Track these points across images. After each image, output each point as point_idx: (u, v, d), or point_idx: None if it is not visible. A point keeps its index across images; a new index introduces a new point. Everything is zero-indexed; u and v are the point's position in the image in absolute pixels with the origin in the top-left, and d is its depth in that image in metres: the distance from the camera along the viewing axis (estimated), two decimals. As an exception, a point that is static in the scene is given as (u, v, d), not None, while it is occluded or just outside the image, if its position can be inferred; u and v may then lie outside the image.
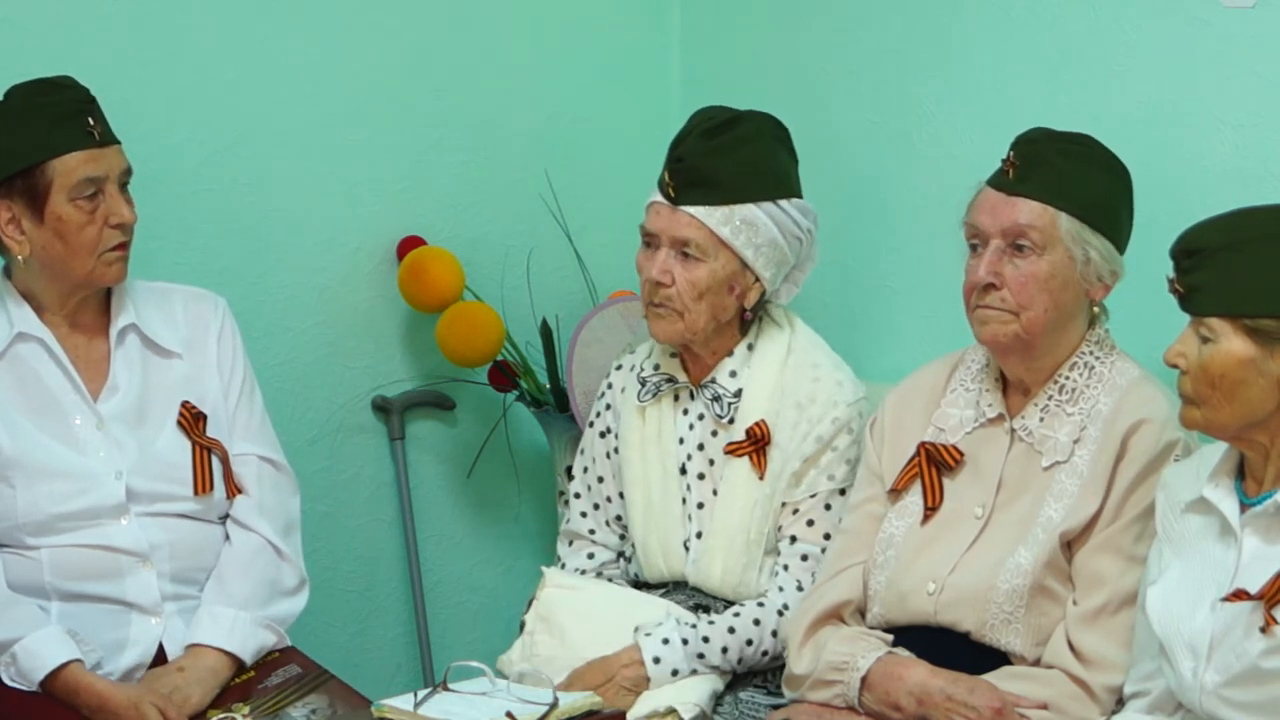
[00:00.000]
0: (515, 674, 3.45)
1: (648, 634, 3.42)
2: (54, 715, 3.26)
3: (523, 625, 3.68)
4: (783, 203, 3.48)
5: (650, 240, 3.50)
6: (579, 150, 4.34)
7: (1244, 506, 2.86)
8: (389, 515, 4.27)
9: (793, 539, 3.47)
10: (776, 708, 3.35)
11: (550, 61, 4.31)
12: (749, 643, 3.42)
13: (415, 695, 3.03)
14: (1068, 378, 3.23)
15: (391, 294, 4.16)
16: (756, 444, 3.48)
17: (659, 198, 3.49)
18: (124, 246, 3.39)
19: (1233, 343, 2.80)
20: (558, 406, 4.14)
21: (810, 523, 3.46)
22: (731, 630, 3.42)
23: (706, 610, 3.49)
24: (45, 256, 3.37)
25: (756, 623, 3.43)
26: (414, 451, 4.27)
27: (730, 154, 3.44)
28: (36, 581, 3.34)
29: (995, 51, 3.76)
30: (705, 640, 3.41)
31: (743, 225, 3.45)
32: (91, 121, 3.35)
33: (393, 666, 4.28)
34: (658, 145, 3.62)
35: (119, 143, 3.41)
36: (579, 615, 3.52)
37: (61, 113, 3.34)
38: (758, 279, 3.49)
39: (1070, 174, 3.18)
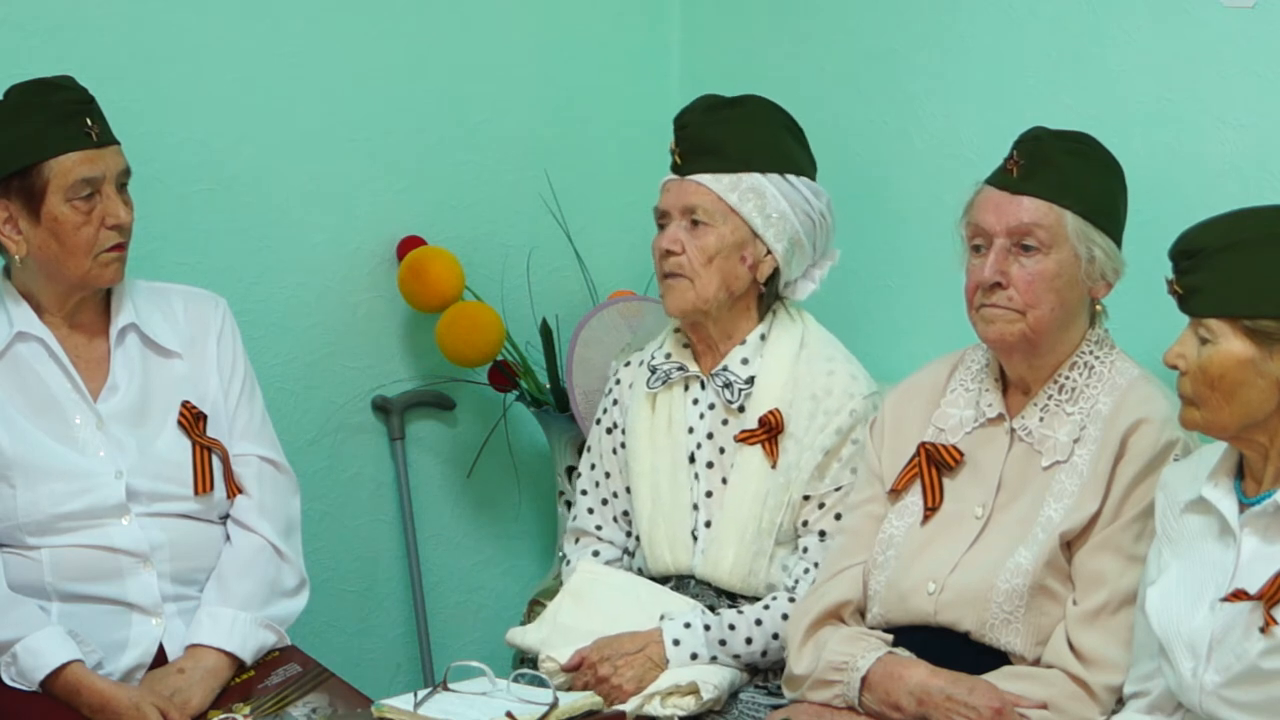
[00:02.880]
0: (526, 645, 3.48)
1: (671, 619, 3.42)
2: (55, 715, 3.25)
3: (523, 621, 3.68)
4: (791, 177, 3.50)
5: (662, 220, 3.53)
6: (579, 150, 4.34)
7: (1243, 506, 2.86)
8: (389, 515, 4.26)
9: (821, 534, 3.46)
10: (776, 708, 3.35)
11: (550, 61, 4.31)
12: (774, 636, 3.42)
13: (415, 695, 3.03)
14: (1067, 377, 3.22)
15: (391, 294, 4.16)
16: (770, 432, 3.47)
17: (669, 176, 3.51)
18: (121, 247, 3.39)
19: (1232, 344, 2.80)
20: (558, 406, 4.14)
21: (838, 516, 3.45)
22: (759, 622, 3.42)
23: (713, 610, 3.48)
24: (41, 256, 3.36)
25: (785, 618, 3.42)
26: (414, 451, 4.27)
27: (734, 124, 3.47)
28: (37, 582, 3.34)
29: (995, 51, 3.76)
30: (731, 628, 3.41)
31: (750, 192, 3.47)
32: (89, 122, 3.35)
33: (393, 666, 4.27)
34: (658, 145, 3.62)
35: (117, 143, 3.40)
36: (616, 588, 3.53)
37: (59, 113, 3.33)
38: (769, 251, 3.49)
39: (1073, 172, 3.18)
